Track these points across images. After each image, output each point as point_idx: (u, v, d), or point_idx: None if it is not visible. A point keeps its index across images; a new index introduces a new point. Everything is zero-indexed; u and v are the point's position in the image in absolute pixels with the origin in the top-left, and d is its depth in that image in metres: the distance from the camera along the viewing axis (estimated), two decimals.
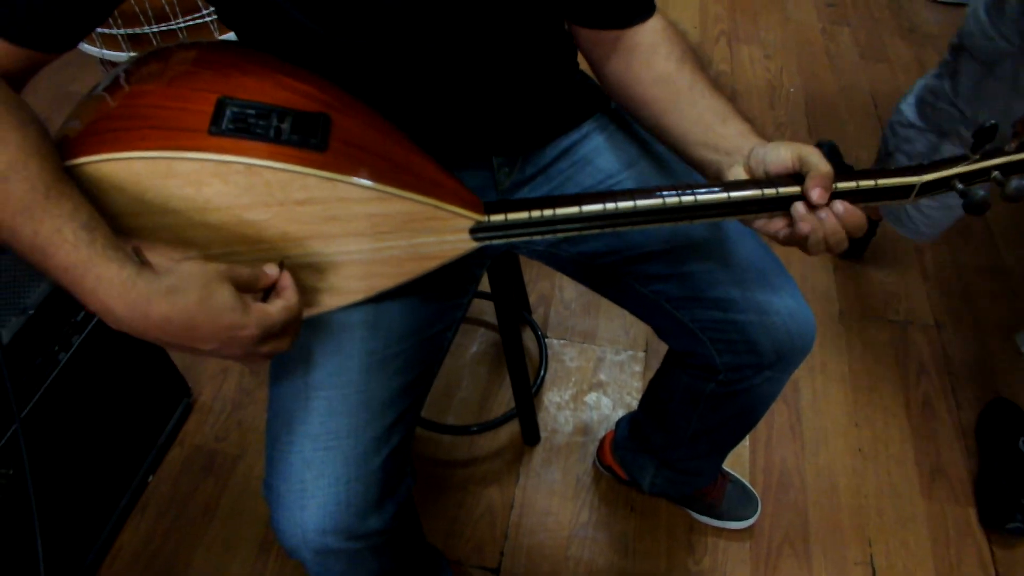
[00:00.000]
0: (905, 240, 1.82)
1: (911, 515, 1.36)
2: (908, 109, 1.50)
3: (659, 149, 0.93)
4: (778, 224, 0.71)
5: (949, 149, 1.41)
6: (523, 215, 0.70)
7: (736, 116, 0.76)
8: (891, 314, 1.68)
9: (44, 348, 1.07)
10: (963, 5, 2.62)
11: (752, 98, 2.26)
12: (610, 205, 0.69)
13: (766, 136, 0.75)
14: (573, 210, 0.69)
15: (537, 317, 1.68)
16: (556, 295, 1.73)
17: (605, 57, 0.84)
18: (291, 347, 0.65)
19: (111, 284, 0.54)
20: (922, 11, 2.62)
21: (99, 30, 1.41)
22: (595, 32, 0.82)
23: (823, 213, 0.67)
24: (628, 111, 0.87)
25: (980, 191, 0.66)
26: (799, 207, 0.68)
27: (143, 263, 0.57)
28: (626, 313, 1.02)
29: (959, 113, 1.37)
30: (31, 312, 1.02)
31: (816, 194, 0.66)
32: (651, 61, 0.80)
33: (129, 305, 0.54)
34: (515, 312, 1.21)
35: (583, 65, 0.94)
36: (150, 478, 1.40)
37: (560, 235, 0.71)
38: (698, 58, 0.82)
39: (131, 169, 0.60)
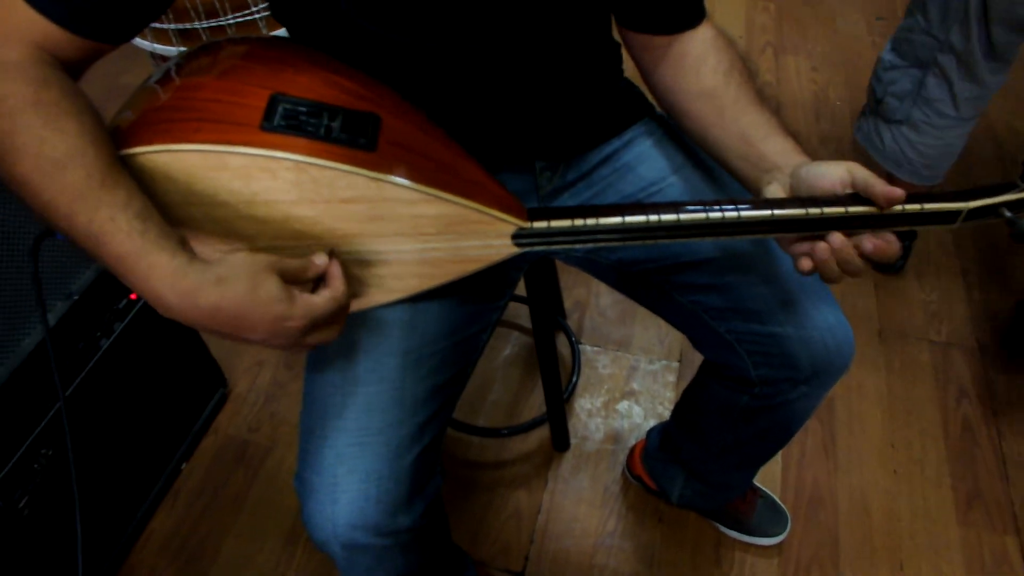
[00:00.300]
0: (950, 260, 1.79)
1: (945, 541, 1.33)
2: (887, 54, 1.56)
3: (706, 155, 0.93)
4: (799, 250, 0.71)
5: (933, 83, 1.45)
6: (566, 223, 0.70)
7: (779, 132, 0.76)
8: (933, 335, 1.65)
9: (87, 333, 1.10)
10: None
11: (797, 111, 2.23)
12: (653, 217, 0.69)
13: (810, 152, 0.74)
14: (616, 220, 0.69)
15: (572, 323, 1.68)
16: (592, 301, 1.73)
17: (654, 64, 0.84)
18: (338, 336, 0.66)
19: (163, 272, 0.55)
20: None
21: (150, 24, 1.44)
22: (645, 37, 0.83)
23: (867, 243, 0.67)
24: (673, 119, 0.87)
25: None
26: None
27: (193, 253, 0.58)
28: (661, 322, 1.02)
29: (934, 40, 1.42)
30: (76, 298, 1.05)
31: (899, 192, 0.65)
32: (699, 72, 0.80)
33: (180, 293, 0.56)
34: (550, 317, 1.21)
35: (629, 72, 0.94)
36: (183, 465, 1.43)
37: (602, 244, 0.71)
38: (746, 69, 0.81)
39: (183, 161, 0.61)
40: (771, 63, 2.42)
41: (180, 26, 1.45)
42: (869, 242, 0.67)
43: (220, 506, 1.39)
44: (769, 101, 0.80)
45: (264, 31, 1.47)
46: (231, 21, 1.45)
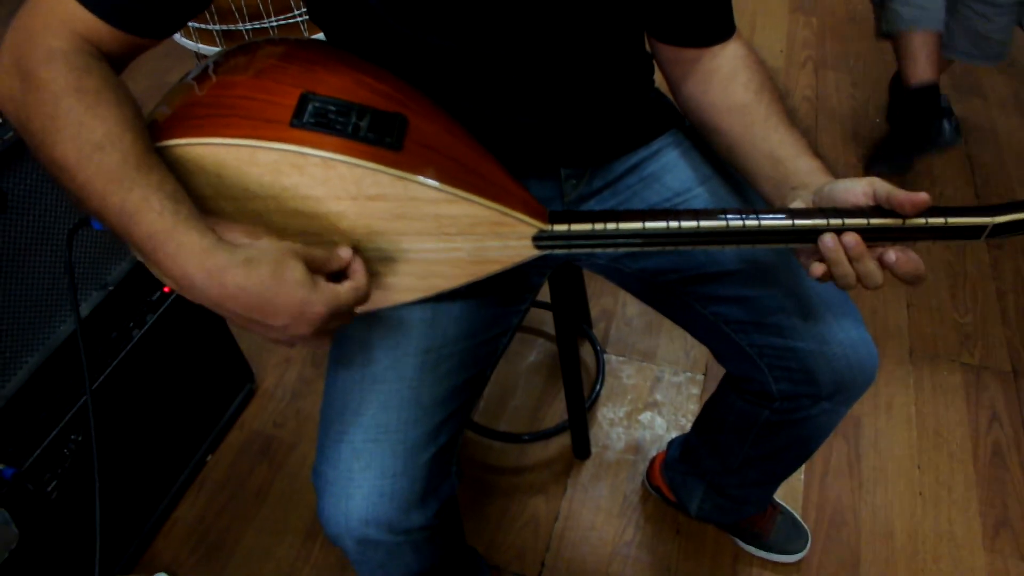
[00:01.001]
0: (986, 282, 1.76)
1: (970, 566, 1.30)
2: None
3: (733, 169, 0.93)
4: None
5: None
6: (586, 227, 0.70)
7: (808, 152, 0.76)
8: (965, 357, 1.62)
9: (120, 323, 1.13)
10: None
11: (835, 126, 2.21)
12: (673, 224, 0.69)
13: (847, 167, 0.74)
14: (636, 226, 0.69)
15: (598, 332, 1.68)
16: (618, 311, 1.73)
17: (683, 77, 0.84)
18: (352, 321, 0.66)
19: (191, 250, 0.57)
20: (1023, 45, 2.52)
21: (195, 25, 1.47)
22: (675, 50, 0.83)
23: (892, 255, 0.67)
24: (703, 135, 0.87)
25: None
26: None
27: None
28: (687, 335, 1.01)
29: None
30: (111, 288, 1.08)
31: (922, 196, 0.64)
32: (729, 88, 0.80)
33: (207, 272, 0.57)
34: (574, 324, 1.22)
35: (660, 84, 0.95)
36: (209, 457, 1.45)
37: (622, 250, 0.72)
38: (776, 88, 0.81)
39: (216, 154, 0.63)
40: (811, 78, 2.40)
41: (224, 27, 1.48)
42: (893, 252, 0.67)
43: (243, 499, 1.41)
44: (800, 122, 0.80)
45: (305, 33, 1.50)
46: (274, 23, 1.48)
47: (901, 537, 1.34)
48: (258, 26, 1.48)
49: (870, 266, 0.67)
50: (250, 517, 1.38)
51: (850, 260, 0.67)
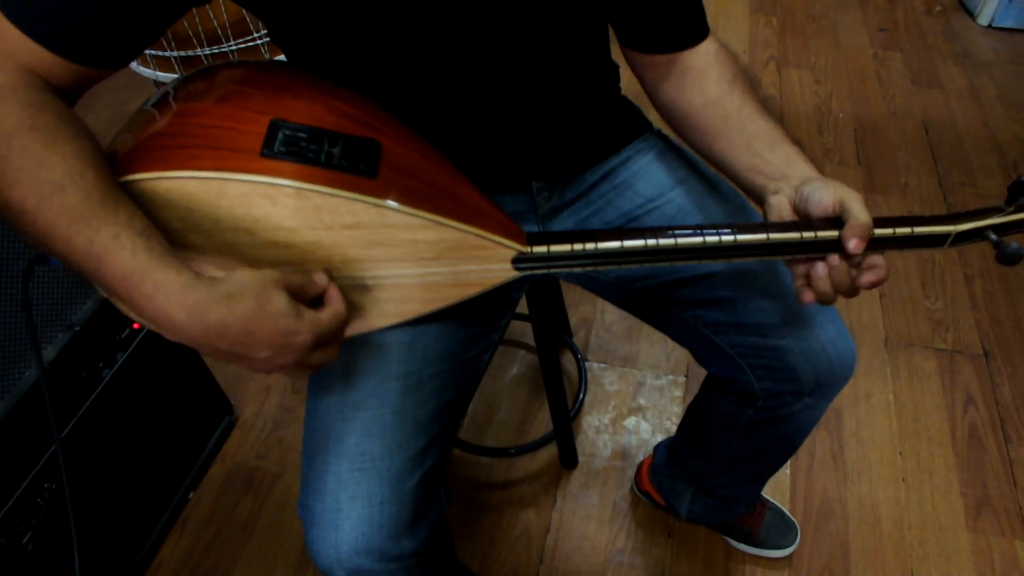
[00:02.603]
0: (954, 268, 1.79)
1: (955, 547, 1.32)
2: None
3: (708, 168, 0.93)
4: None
5: None
6: (565, 247, 0.70)
7: (784, 141, 0.77)
8: (938, 343, 1.65)
9: (89, 364, 1.10)
10: (1020, 31, 2.57)
11: (800, 123, 2.24)
12: (651, 241, 0.69)
13: (814, 159, 0.75)
14: (615, 245, 0.70)
15: (578, 340, 1.68)
16: (597, 318, 1.73)
17: (658, 80, 0.85)
18: (336, 356, 0.65)
19: (169, 289, 0.54)
20: (977, 37, 2.58)
21: (153, 52, 1.45)
22: (648, 56, 0.83)
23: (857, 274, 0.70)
24: (679, 134, 0.87)
25: (1013, 244, 0.67)
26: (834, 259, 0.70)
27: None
28: (667, 338, 1.02)
29: None
30: (77, 328, 1.05)
31: (852, 244, 0.67)
32: (702, 85, 0.81)
33: (188, 310, 0.55)
34: (553, 335, 1.21)
35: (626, 90, 0.95)
36: (191, 494, 1.43)
37: (601, 267, 0.72)
38: (748, 80, 0.82)
39: (183, 187, 0.61)
40: (774, 76, 2.43)
41: (183, 53, 1.46)
42: (866, 281, 0.70)
43: (229, 534, 1.38)
44: (772, 112, 0.81)
45: (267, 57, 1.48)
46: (234, 47, 1.47)
47: (887, 524, 1.36)
48: (217, 51, 1.46)
49: (850, 283, 0.70)
50: (238, 552, 1.36)
51: (833, 281, 0.70)
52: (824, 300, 0.71)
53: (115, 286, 0.55)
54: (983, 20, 2.62)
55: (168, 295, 0.54)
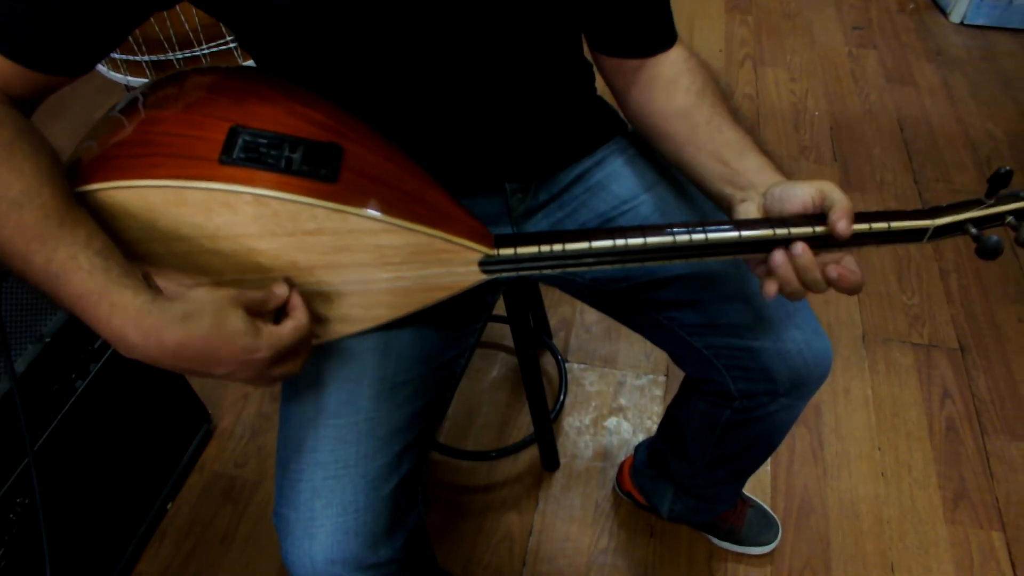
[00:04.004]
0: (930, 263, 1.80)
1: (934, 540, 1.34)
2: None
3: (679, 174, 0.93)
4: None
5: None
6: (532, 249, 0.69)
7: (754, 150, 0.76)
8: (915, 337, 1.66)
9: (61, 376, 1.09)
10: (991, 28, 2.60)
11: (777, 121, 2.25)
12: (620, 241, 0.69)
13: (784, 169, 0.74)
14: (582, 245, 0.69)
15: (558, 341, 1.67)
16: (577, 319, 1.73)
17: (627, 87, 0.84)
18: (301, 369, 0.65)
19: (125, 311, 0.55)
20: (949, 35, 2.61)
21: (124, 57, 1.43)
22: (617, 61, 0.82)
23: (832, 270, 0.67)
24: (649, 141, 0.87)
25: (993, 237, 0.65)
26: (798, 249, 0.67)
27: (155, 290, 0.57)
28: None
29: None
30: (48, 340, 1.03)
31: (842, 225, 0.65)
32: (671, 94, 0.80)
33: (144, 332, 0.55)
34: (531, 336, 1.21)
35: (602, 91, 0.95)
36: (169, 505, 1.41)
37: (570, 269, 0.71)
38: (719, 89, 0.81)
39: (143, 197, 0.60)
40: (750, 75, 2.44)
41: (154, 57, 1.45)
42: (834, 270, 0.67)
43: (208, 545, 1.37)
44: (744, 120, 0.80)
45: (239, 61, 1.47)
46: (206, 51, 1.45)
47: (867, 518, 1.37)
48: (189, 55, 1.45)
49: (816, 275, 0.67)
50: (218, 563, 1.34)
51: (798, 272, 0.67)
52: (789, 292, 0.68)
53: (72, 305, 0.55)
54: (955, 18, 2.64)
55: (125, 317, 0.54)
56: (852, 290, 0.68)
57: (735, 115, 0.79)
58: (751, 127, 0.79)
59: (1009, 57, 2.49)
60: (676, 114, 0.80)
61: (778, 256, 0.67)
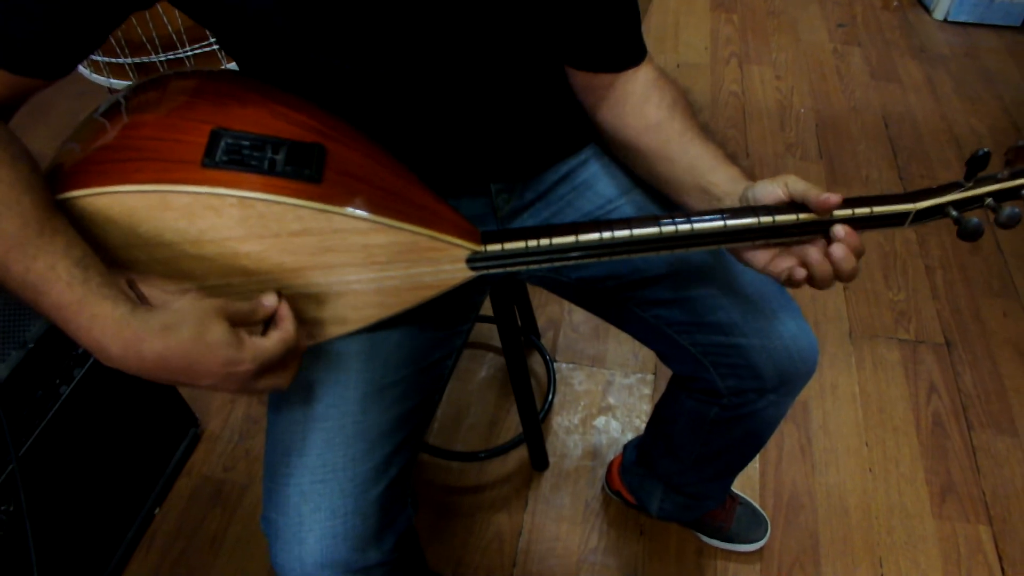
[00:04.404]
0: (915, 259, 1.82)
1: (921, 534, 1.34)
2: None
3: None
4: (782, 265, 0.70)
5: None
6: (520, 244, 0.69)
7: (726, 162, 0.76)
8: (901, 333, 1.67)
9: (45, 381, 1.08)
10: (974, 25, 2.62)
11: (762, 119, 2.26)
12: (606, 234, 0.69)
13: (776, 158, 0.75)
14: (569, 239, 0.69)
15: (546, 341, 1.67)
16: (565, 319, 1.73)
17: (597, 104, 0.84)
18: (291, 382, 0.65)
19: (105, 323, 0.54)
20: (933, 32, 2.63)
21: (106, 59, 1.43)
22: (588, 76, 0.82)
23: (837, 250, 0.66)
24: (622, 158, 0.87)
25: (974, 219, 0.66)
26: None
27: (138, 298, 0.57)
28: None
29: None
30: (31, 346, 1.02)
31: (834, 198, 0.64)
32: (643, 110, 0.80)
33: (123, 344, 0.54)
34: (519, 336, 1.21)
35: None
36: (156, 510, 1.40)
37: (558, 264, 0.71)
38: (689, 105, 0.82)
39: (125, 203, 0.60)
40: (736, 73, 2.45)
41: (137, 60, 1.44)
42: (839, 248, 0.67)
43: (197, 549, 1.36)
44: (714, 134, 0.80)
45: (223, 63, 1.46)
46: (189, 53, 1.44)
47: (856, 514, 1.37)
48: (172, 57, 1.44)
49: (853, 263, 0.67)
50: (207, 568, 1.33)
51: (835, 264, 0.67)
52: (795, 284, 0.69)
53: (51, 315, 0.55)
54: (938, 15, 2.66)
55: (104, 328, 0.54)
56: (850, 274, 0.68)
57: (705, 129, 0.80)
58: (721, 141, 0.80)
59: (992, 54, 2.52)
60: (648, 128, 0.80)
61: (813, 253, 0.67)
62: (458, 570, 1.32)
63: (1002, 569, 1.30)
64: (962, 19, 2.64)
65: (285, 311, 0.63)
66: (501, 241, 0.70)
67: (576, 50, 0.81)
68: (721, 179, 0.74)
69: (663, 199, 0.91)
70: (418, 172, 0.73)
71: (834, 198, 0.65)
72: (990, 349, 1.63)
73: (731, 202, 0.72)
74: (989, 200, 0.68)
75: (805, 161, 2.11)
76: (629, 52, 0.81)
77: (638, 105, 0.81)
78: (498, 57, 0.77)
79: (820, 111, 2.29)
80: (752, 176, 0.74)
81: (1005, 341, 1.64)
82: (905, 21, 2.68)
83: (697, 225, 0.69)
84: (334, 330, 0.72)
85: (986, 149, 0.64)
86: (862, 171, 2.07)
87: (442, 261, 0.69)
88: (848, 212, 0.68)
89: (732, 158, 0.77)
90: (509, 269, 0.72)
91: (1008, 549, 1.32)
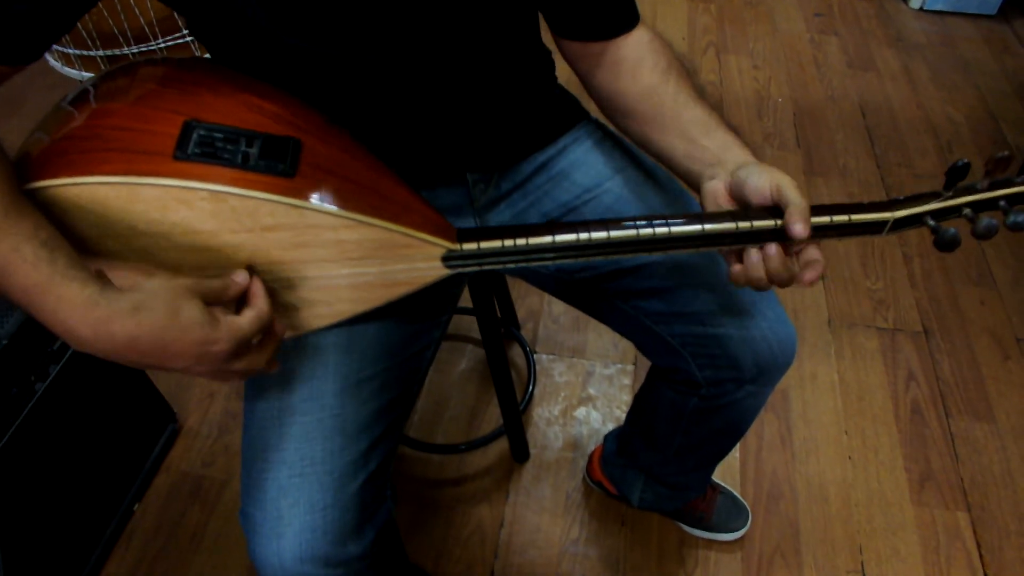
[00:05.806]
0: (893, 249, 1.83)
1: (901, 522, 1.36)
2: None
3: (645, 157, 0.93)
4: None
5: None
6: (496, 244, 0.69)
7: (720, 126, 0.76)
8: (880, 322, 1.68)
9: (20, 378, 1.06)
10: (950, 14, 2.64)
11: (740, 109, 2.27)
12: (583, 235, 0.68)
13: (753, 148, 0.75)
14: (546, 240, 0.68)
15: (526, 332, 1.67)
16: (545, 310, 1.73)
17: (591, 71, 0.84)
18: (270, 368, 0.64)
19: (72, 304, 0.53)
20: (910, 21, 2.64)
21: (78, 52, 1.40)
22: (581, 45, 0.82)
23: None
24: (615, 124, 0.87)
25: (951, 229, 0.67)
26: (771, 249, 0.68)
27: (105, 281, 0.56)
28: None
29: None
30: (5, 342, 1.01)
31: (799, 228, 0.64)
32: (637, 74, 0.80)
33: (92, 326, 0.53)
34: (498, 328, 1.21)
35: (564, 79, 0.94)
36: (136, 506, 1.39)
37: (535, 264, 0.71)
38: (683, 68, 0.82)
39: (94, 194, 0.58)
40: (714, 63, 2.45)
41: (109, 52, 1.42)
42: (808, 277, 0.67)
43: (177, 546, 1.35)
44: (708, 98, 0.80)
45: (196, 54, 1.44)
46: (162, 45, 1.42)
47: (836, 502, 1.38)
48: (145, 48, 1.42)
49: (783, 274, 0.67)
50: (187, 564, 1.32)
51: (768, 270, 0.67)
52: (757, 287, 0.70)
53: (19, 298, 0.53)
54: (915, 3, 2.68)
55: (72, 310, 0.53)
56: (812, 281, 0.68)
57: (700, 93, 0.80)
58: (715, 104, 0.80)
59: (967, 42, 2.54)
60: (642, 93, 0.80)
61: (754, 255, 0.68)
62: (439, 563, 1.32)
63: (980, 555, 1.31)
64: (938, 7, 2.66)
65: (258, 288, 0.62)
66: (477, 240, 0.69)
67: (567, 19, 0.80)
68: (714, 144, 0.74)
69: (644, 184, 0.91)
70: (394, 161, 0.72)
71: (802, 232, 0.64)
72: (968, 337, 1.65)
73: (720, 171, 0.72)
74: (967, 211, 0.69)
75: (783, 151, 2.12)
76: (622, 18, 0.81)
77: (632, 70, 0.80)
78: (478, 41, 0.77)
79: (797, 100, 2.30)
80: (747, 144, 0.74)
81: (983, 329, 1.66)
82: (882, 10, 2.70)
83: (675, 229, 0.68)
84: (309, 324, 0.72)
85: (966, 160, 0.65)
86: (839, 160, 2.08)
87: (416, 259, 0.68)
88: (826, 219, 0.68)
89: (726, 124, 0.77)
90: (485, 268, 0.71)
91: (986, 535, 1.34)
